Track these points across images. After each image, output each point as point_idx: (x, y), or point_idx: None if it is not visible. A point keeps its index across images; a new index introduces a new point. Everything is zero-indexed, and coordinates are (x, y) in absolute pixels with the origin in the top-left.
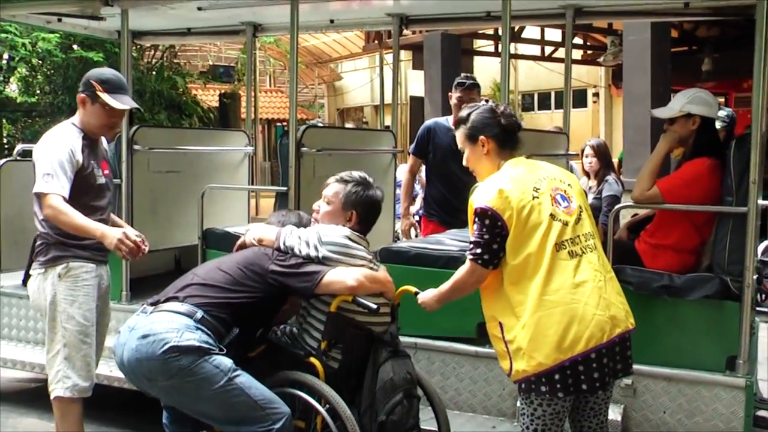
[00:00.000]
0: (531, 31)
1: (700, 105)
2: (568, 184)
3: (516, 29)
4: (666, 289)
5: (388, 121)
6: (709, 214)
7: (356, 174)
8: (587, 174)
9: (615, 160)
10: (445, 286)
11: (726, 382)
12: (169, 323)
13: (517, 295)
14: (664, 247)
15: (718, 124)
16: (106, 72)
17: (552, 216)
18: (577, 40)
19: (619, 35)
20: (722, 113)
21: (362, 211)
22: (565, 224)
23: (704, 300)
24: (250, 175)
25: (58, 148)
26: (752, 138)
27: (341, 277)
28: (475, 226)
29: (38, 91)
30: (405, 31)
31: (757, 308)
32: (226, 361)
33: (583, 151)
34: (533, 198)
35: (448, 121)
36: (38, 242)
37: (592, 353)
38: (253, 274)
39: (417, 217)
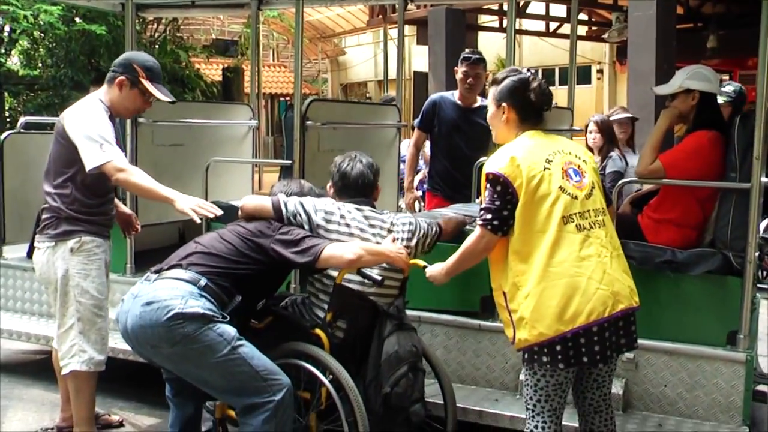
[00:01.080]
0: (536, 6)
1: (699, 80)
2: (583, 160)
3: (521, 4)
4: (668, 264)
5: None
6: (712, 189)
7: (355, 153)
8: (591, 150)
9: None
10: (454, 257)
11: (726, 357)
12: (173, 290)
13: (521, 265)
14: (666, 222)
15: (722, 99)
16: (149, 59)
17: (561, 188)
18: (582, 16)
19: (624, 11)
20: (729, 88)
21: (337, 181)
22: (575, 198)
23: (706, 275)
24: (254, 149)
25: (101, 121)
26: (757, 115)
27: (339, 251)
28: (487, 192)
29: (40, 64)
30: (409, 6)
31: (759, 284)
32: (230, 330)
33: (587, 127)
34: (544, 169)
35: (454, 95)
36: (46, 215)
37: (594, 326)
38: (256, 246)
39: (421, 192)
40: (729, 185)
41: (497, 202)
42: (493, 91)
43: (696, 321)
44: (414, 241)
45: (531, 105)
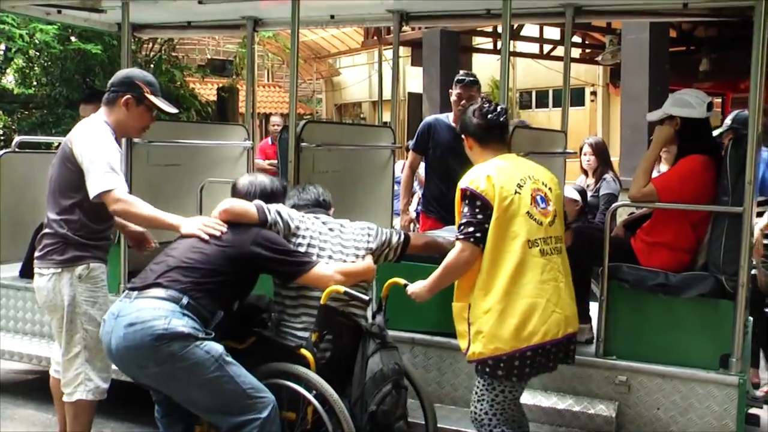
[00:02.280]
0: (530, 29)
1: (680, 107)
2: (549, 188)
3: (515, 27)
4: (661, 287)
5: (386, 118)
6: (705, 212)
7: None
8: (585, 172)
9: (614, 159)
10: (435, 273)
11: (719, 380)
12: (156, 310)
13: (488, 281)
14: (660, 245)
15: (721, 130)
16: (147, 74)
17: (528, 213)
18: (576, 39)
19: (618, 34)
20: (728, 120)
21: (297, 200)
22: (540, 224)
23: (699, 298)
24: (248, 169)
25: (110, 147)
26: (749, 138)
27: (327, 272)
28: (466, 208)
29: (35, 83)
30: (404, 28)
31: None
32: (218, 347)
33: (581, 149)
34: (515, 192)
35: (449, 117)
36: (51, 240)
37: (547, 345)
38: (235, 255)
39: (415, 214)
40: (721, 209)
41: (479, 216)
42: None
43: (689, 344)
44: (374, 245)
45: (480, 128)
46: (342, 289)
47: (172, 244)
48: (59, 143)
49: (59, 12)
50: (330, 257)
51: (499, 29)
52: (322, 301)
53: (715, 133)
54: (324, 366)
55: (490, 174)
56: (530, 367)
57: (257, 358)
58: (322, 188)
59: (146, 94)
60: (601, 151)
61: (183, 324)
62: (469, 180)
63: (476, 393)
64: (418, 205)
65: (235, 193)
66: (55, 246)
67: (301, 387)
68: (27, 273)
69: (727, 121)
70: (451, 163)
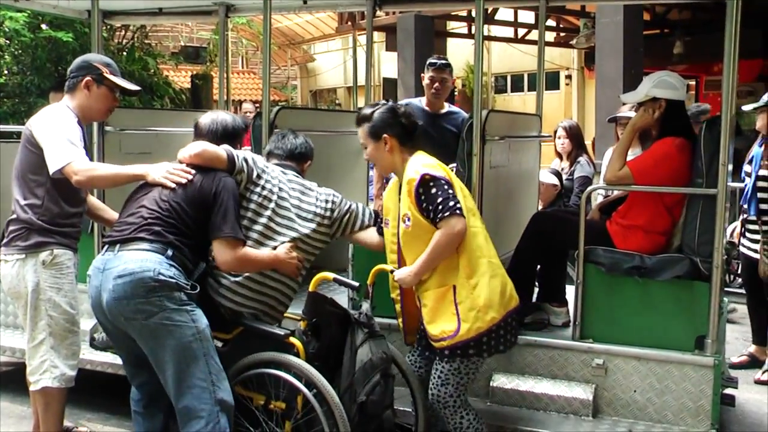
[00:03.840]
0: (504, 13)
1: (665, 88)
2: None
3: (489, 11)
4: (637, 269)
5: (361, 103)
6: (680, 195)
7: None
8: (560, 155)
9: (589, 142)
10: (423, 256)
11: (695, 362)
12: (144, 262)
13: (470, 258)
14: (635, 227)
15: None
16: (104, 57)
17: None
18: (550, 23)
19: (592, 18)
20: (766, 97)
21: (274, 147)
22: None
23: (674, 280)
24: None
25: (67, 124)
26: (722, 121)
27: (225, 253)
28: (434, 190)
29: (5, 72)
30: (378, 13)
31: (726, 289)
32: (203, 320)
33: (555, 132)
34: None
35: (422, 101)
36: (15, 227)
37: (514, 313)
38: (202, 200)
39: None
40: (696, 191)
41: (450, 191)
42: (365, 129)
43: (664, 326)
44: (334, 215)
45: (405, 129)
46: (331, 276)
47: (140, 193)
48: None
49: None
50: (281, 217)
51: (474, 13)
52: (310, 288)
53: (749, 107)
54: (313, 355)
55: (436, 164)
56: (504, 338)
57: (244, 347)
58: (303, 139)
59: (105, 75)
60: (575, 134)
61: (171, 275)
62: (424, 169)
63: (439, 377)
64: None
65: (198, 131)
66: (20, 232)
67: (291, 376)
68: None
69: (765, 97)
70: (425, 147)
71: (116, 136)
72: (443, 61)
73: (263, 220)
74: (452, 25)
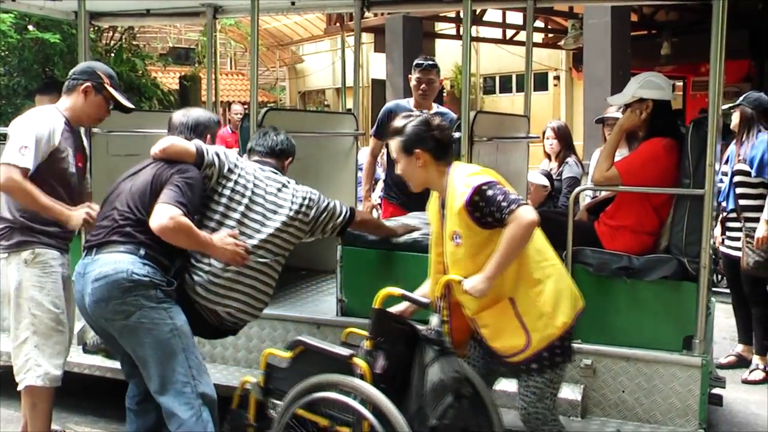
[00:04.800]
0: (492, 14)
1: (651, 89)
2: None
3: (477, 12)
4: (625, 270)
5: (349, 104)
6: (667, 195)
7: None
8: (548, 156)
9: (577, 143)
10: (495, 258)
11: (683, 362)
12: (117, 263)
13: (530, 265)
14: (623, 228)
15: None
16: (109, 68)
17: None
18: (539, 24)
19: (580, 19)
20: (741, 99)
21: (255, 144)
22: None
23: (662, 281)
24: None
25: (37, 125)
26: (709, 121)
27: (161, 216)
28: (489, 192)
29: None
30: (366, 14)
31: (713, 289)
32: (180, 317)
33: (544, 133)
34: None
35: (409, 103)
36: (1, 225)
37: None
38: (160, 187)
39: (378, 200)
40: (683, 191)
41: (506, 189)
42: (397, 143)
43: (652, 326)
44: (311, 212)
45: (439, 143)
46: (398, 291)
47: (113, 193)
48: None
49: (13, 0)
50: (254, 212)
51: (462, 15)
52: (376, 305)
53: (726, 107)
54: (379, 376)
55: (476, 169)
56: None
57: (305, 368)
58: (284, 136)
59: (106, 85)
60: (563, 135)
61: (145, 273)
62: (469, 181)
63: (534, 394)
64: (381, 191)
65: (170, 126)
66: (3, 231)
67: (356, 402)
68: None
69: (741, 98)
70: None
71: (103, 138)
72: (430, 62)
73: (236, 215)
74: (440, 27)
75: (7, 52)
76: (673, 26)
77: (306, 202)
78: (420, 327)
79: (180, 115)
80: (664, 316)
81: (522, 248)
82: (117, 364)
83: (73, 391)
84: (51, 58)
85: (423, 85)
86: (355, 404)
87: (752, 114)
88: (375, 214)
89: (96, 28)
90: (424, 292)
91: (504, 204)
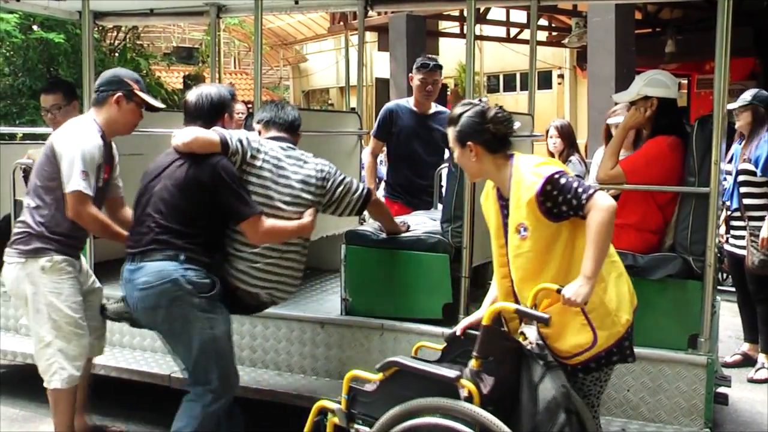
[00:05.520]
0: (496, 12)
1: (656, 87)
2: None
3: (481, 11)
4: (629, 268)
5: (353, 103)
6: (672, 193)
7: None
8: (552, 155)
9: (581, 142)
10: (591, 253)
11: (688, 360)
12: (161, 272)
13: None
14: (627, 226)
15: (737, 103)
16: (133, 72)
17: None
18: (542, 22)
19: (584, 17)
20: (748, 96)
21: (269, 118)
22: None
23: (667, 279)
24: None
25: (89, 147)
26: (714, 119)
27: (258, 226)
28: (562, 181)
29: None
30: (370, 13)
31: (719, 287)
32: (220, 327)
33: (547, 132)
34: None
35: (409, 102)
36: (19, 229)
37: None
38: (198, 189)
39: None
40: (688, 190)
41: (577, 177)
42: (452, 133)
43: (657, 325)
44: (327, 184)
45: (494, 136)
46: (512, 307)
47: (143, 197)
48: (23, 134)
49: (18, 0)
50: (282, 192)
51: (465, 13)
52: (484, 322)
53: (732, 106)
54: (487, 398)
55: (543, 159)
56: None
57: (397, 391)
58: (298, 111)
59: (136, 91)
60: (567, 133)
61: (188, 280)
62: (540, 171)
63: (580, 390)
64: (383, 190)
65: (186, 110)
66: (22, 235)
67: (465, 426)
68: None
69: (747, 96)
70: (415, 147)
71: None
72: (435, 62)
73: (262, 200)
74: (444, 25)
75: (11, 52)
76: (677, 24)
77: (323, 174)
78: (523, 341)
79: (194, 97)
80: (668, 315)
81: (611, 235)
82: (122, 364)
83: (104, 392)
84: (55, 57)
85: (429, 86)
86: (463, 429)
87: (764, 113)
88: None
89: (100, 27)
90: (493, 295)
91: (580, 190)
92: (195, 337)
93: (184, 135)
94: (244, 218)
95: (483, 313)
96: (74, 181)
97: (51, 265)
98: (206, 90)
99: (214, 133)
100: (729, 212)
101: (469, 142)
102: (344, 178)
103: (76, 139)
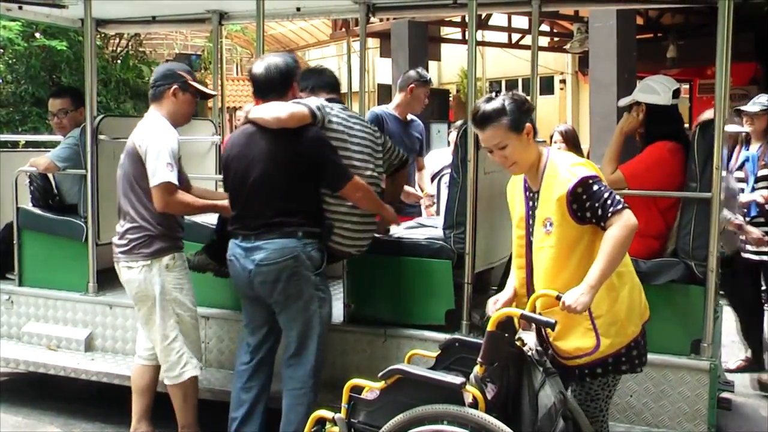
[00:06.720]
0: (498, 18)
1: (646, 93)
2: None
3: (483, 17)
4: None
5: (355, 109)
6: (674, 199)
7: None
8: None
9: (584, 147)
10: (598, 265)
11: (691, 365)
12: (283, 249)
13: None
14: None
15: (756, 108)
16: (184, 65)
17: None
18: (544, 28)
19: (586, 22)
20: (765, 100)
21: (313, 82)
22: None
23: (669, 285)
24: (217, 164)
25: (169, 140)
26: (715, 124)
27: (356, 189)
28: (595, 187)
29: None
30: (372, 19)
31: (721, 292)
32: (326, 308)
33: (552, 137)
34: None
35: (389, 108)
36: (137, 235)
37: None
38: (302, 164)
39: None
40: (690, 195)
41: (609, 188)
42: (503, 125)
43: (660, 330)
44: (383, 140)
45: (531, 115)
46: (518, 312)
47: (247, 178)
48: (26, 142)
49: (20, 8)
50: (358, 151)
51: (467, 19)
52: (490, 327)
53: (753, 109)
54: (492, 405)
55: (582, 160)
56: (643, 351)
57: (400, 399)
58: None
59: (190, 82)
60: (571, 138)
61: (306, 256)
62: (576, 170)
63: (588, 393)
64: None
65: (258, 84)
66: (141, 240)
67: None
68: None
69: (764, 100)
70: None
71: (110, 145)
72: (429, 78)
73: (348, 161)
74: (446, 31)
75: (14, 60)
76: (678, 29)
77: (374, 129)
78: (526, 348)
79: (262, 70)
80: (671, 320)
81: (625, 251)
82: (123, 371)
83: (81, 398)
84: (58, 65)
85: (426, 99)
86: None
87: None
88: None
89: (102, 35)
90: (512, 284)
91: (609, 202)
92: (304, 312)
93: (275, 110)
94: (346, 182)
95: (510, 293)
96: (160, 174)
97: (174, 262)
98: (273, 61)
99: (302, 106)
100: (747, 219)
101: (526, 125)
102: (386, 138)
103: (156, 134)
